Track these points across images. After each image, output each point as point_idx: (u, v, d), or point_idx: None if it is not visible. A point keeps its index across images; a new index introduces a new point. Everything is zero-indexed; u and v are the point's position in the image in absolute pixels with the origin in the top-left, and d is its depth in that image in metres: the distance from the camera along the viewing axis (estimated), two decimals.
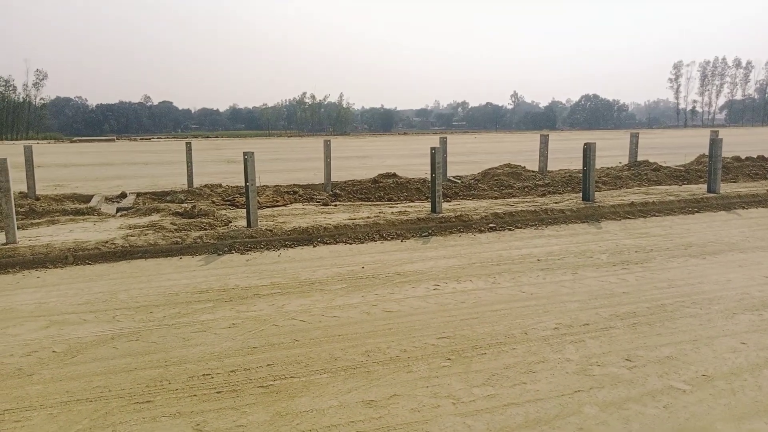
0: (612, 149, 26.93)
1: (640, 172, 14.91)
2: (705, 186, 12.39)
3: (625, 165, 16.54)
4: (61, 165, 24.53)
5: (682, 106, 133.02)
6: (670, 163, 17.10)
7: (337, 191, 13.05)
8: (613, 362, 4.26)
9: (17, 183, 9.42)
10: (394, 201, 12.02)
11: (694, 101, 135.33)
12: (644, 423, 3.42)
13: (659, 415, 3.50)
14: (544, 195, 12.31)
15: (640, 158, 16.57)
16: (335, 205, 11.46)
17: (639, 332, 4.84)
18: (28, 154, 12.67)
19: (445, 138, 14.65)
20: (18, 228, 8.40)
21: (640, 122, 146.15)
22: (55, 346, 4.74)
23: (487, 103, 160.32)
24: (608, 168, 16.46)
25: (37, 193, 12.57)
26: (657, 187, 13.33)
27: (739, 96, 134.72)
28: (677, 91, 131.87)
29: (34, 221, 9.74)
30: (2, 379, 4.15)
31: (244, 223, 9.19)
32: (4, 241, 7.97)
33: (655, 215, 10.39)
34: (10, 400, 3.83)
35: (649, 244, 8.09)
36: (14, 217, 8.09)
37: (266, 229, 8.73)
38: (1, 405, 3.77)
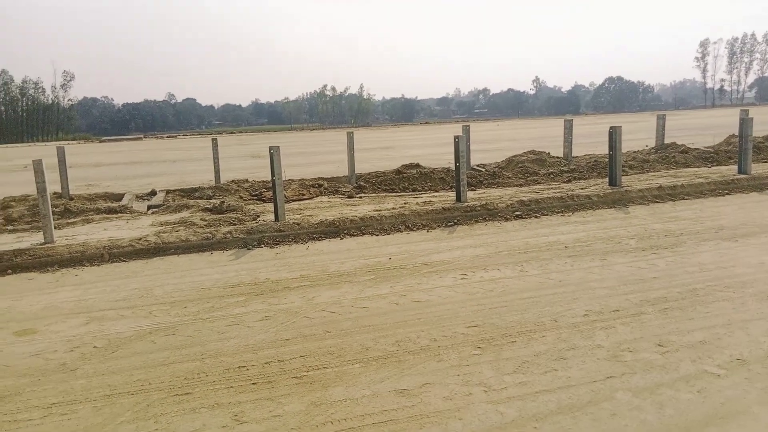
0: (638, 132, 26.47)
1: (667, 154, 14.65)
2: (735, 167, 12.12)
3: (652, 148, 16.25)
4: (92, 165, 25.07)
5: (709, 85, 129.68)
6: (699, 144, 16.75)
7: (362, 183, 13.11)
8: (645, 348, 4.25)
9: (51, 183, 9.70)
10: (419, 191, 12.04)
11: (722, 80, 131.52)
12: (678, 408, 3.42)
13: (693, 400, 3.50)
14: (569, 181, 12.20)
15: (667, 140, 16.26)
16: (360, 197, 11.53)
17: (670, 317, 4.81)
18: (61, 155, 13.00)
19: (468, 126, 14.58)
20: (54, 227, 8.66)
21: (667, 103, 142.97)
22: (95, 342, 4.91)
23: (509, 89, 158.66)
24: (635, 151, 16.20)
25: (71, 192, 12.91)
26: (685, 169, 13.09)
27: None
28: (704, 70, 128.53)
29: (69, 220, 10.02)
30: (48, 374, 4.32)
31: (271, 217, 9.32)
32: (43, 241, 8.23)
33: (684, 198, 10.23)
34: (57, 394, 4.00)
35: (679, 228, 7.98)
36: (51, 217, 8.34)
37: (294, 222, 8.84)
38: (49, 399, 3.93)
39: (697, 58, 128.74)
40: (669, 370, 3.89)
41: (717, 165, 13.63)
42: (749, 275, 5.78)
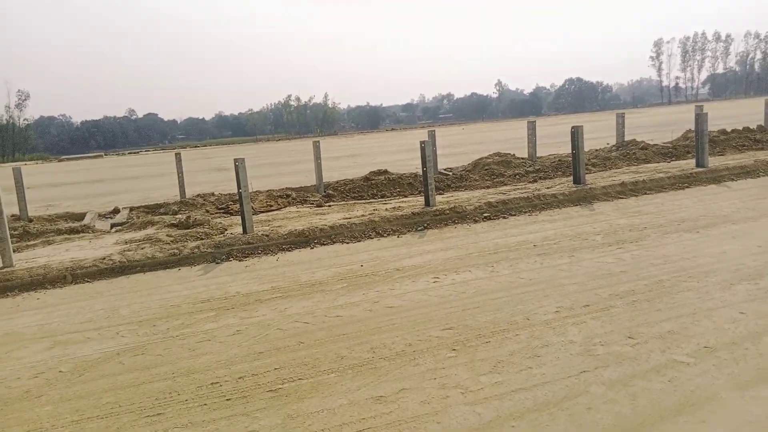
0: (599, 131, 27.07)
1: (628, 151, 15.01)
2: (693, 161, 12.50)
3: (614, 146, 16.64)
4: (51, 184, 24.39)
5: (665, 83, 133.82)
6: (658, 140, 17.23)
7: (330, 192, 13.06)
8: (616, 341, 4.32)
9: (8, 206, 9.39)
10: (388, 197, 12.05)
11: (677, 77, 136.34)
12: (651, 398, 3.48)
13: (665, 389, 3.56)
14: (535, 181, 12.38)
15: (627, 138, 16.68)
16: (329, 206, 11.48)
17: (639, 309, 4.90)
18: (17, 175, 12.61)
19: (434, 131, 14.69)
20: (14, 251, 8.36)
21: (625, 102, 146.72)
22: (61, 366, 4.75)
23: (472, 93, 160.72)
24: (597, 150, 16.56)
25: (30, 214, 12.52)
26: (646, 165, 13.42)
27: (720, 69, 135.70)
28: (659, 69, 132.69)
29: (29, 243, 9.70)
30: (11, 403, 4.15)
31: (239, 230, 9.20)
32: (1, 265, 7.94)
33: (646, 193, 10.48)
34: (21, 423, 3.84)
35: (643, 222, 8.16)
36: (9, 240, 8.06)
37: (262, 234, 8.74)
38: (13, 429, 3.78)
39: (652, 57, 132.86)
40: (640, 362, 3.95)
41: (676, 159, 14.02)
42: (711, 265, 5.94)
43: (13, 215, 12.24)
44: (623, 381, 3.71)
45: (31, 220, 12.03)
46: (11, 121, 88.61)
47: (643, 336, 4.37)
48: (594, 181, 11.21)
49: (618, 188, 10.65)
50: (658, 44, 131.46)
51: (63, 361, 4.84)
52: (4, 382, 4.52)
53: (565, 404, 3.49)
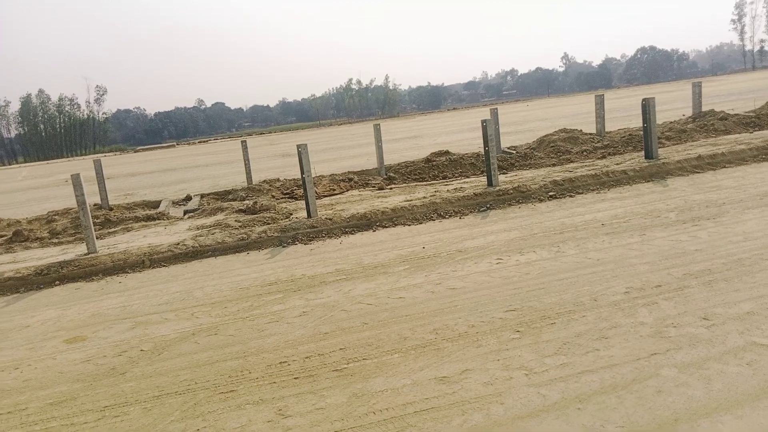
0: (674, 102, 25.68)
1: (705, 122, 14.17)
2: None
3: (689, 117, 15.74)
4: (129, 174, 25.76)
5: (748, 47, 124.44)
6: (739, 110, 16.15)
7: (392, 174, 13.10)
8: (690, 322, 4.14)
9: (91, 195, 10.03)
10: (449, 178, 11.96)
11: (762, 41, 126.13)
12: (727, 382, 3.32)
13: (742, 373, 3.39)
14: (604, 157, 11.92)
15: (705, 108, 15.73)
16: (390, 189, 11.53)
17: (715, 290, 4.66)
18: (98, 167, 13.39)
19: (496, 109, 14.39)
20: (96, 238, 8.94)
21: (703, 70, 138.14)
22: (142, 345, 5.06)
23: (537, 68, 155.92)
24: (671, 122, 15.73)
25: (110, 203, 13.30)
26: (726, 136, 12.63)
27: None
28: (742, 32, 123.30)
29: (110, 230, 10.32)
30: (99, 379, 4.48)
31: (304, 214, 9.41)
32: (86, 252, 8.51)
33: (725, 167, 9.88)
34: (108, 397, 4.14)
35: (721, 198, 7.72)
36: (92, 228, 8.61)
37: (326, 218, 8.91)
38: (101, 402, 4.07)
39: (733, 20, 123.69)
40: (716, 344, 3.78)
41: (759, 129, 13.11)
42: None
43: (95, 204, 13.04)
44: (697, 364, 3.56)
45: (111, 209, 12.78)
46: (91, 115, 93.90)
47: (719, 317, 4.16)
48: (667, 156, 10.67)
49: (694, 162, 10.10)
50: (739, 5, 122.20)
51: (144, 341, 5.16)
52: (93, 359, 4.87)
53: (634, 387, 3.39)
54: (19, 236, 10.22)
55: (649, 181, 9.50)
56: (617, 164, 10.52)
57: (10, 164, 73.59)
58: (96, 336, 5.44)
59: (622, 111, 24.07)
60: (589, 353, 3.88)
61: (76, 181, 8.45)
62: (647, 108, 10.53)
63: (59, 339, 5.47)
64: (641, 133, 11.67)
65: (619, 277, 5.21)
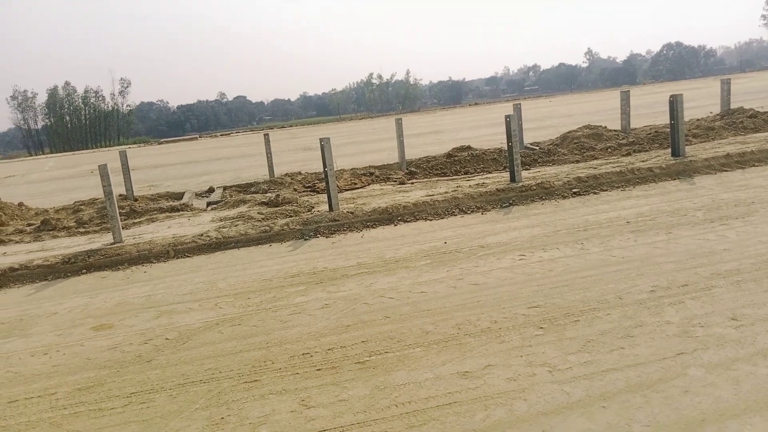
0: (701, 99, 25.20)
1: (734, 120, 13.88)
2: None
3: (717, 114, 15.44)
4: (152, 166, 26.08)
5: None
6: None
7: (413, 169, 13.08)
8: (718, 322, 4.08)
9: (116, 186, 10.21)
10: (471, 174, 11.90)
11: None
12: (756, 384, 3.27)
13: None
14: (629, 154, 11.76)
15: (733, 105, 15.40)
16: (412, 183, 11.52)
17: (744, 290, 4.58)
18: (124, 158, 13.59)
19: (519, 104, 14.27)
20: (122, 228, 9.08)
21: (731, 67, 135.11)
22: (167, 334, 5.14)
23: (560, 63, 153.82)
24: (698, 119, 15.44)
25: (135, 194, 13.50)
26: (755, 134, 12.37)
27: None
28: None
29: (135, 220, 10.48)
30: (126, 366, 4.56)
31: (326, 207, 9.45)
32: (112, 241, 8.65)
33: (754, 165, 9.68)
34: (135, 384, 4.21)
35: (750, 197, 7.57)
36: (118, 218, 8.75)
37: (348, 211, 8.93)
38: (128, 389, 4.15)
39: (763, 15, 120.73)
40: (744, 345, 3.71)
41: None
42: None
43: (120, 195, 13.24)
44: (725, 364, 3.51)
45: (136, 200, 12.97)
46: (116, 107, 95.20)
47: (748, 318, 4.09)
48: (695, 153, 10.49)
49: (722, 160, 9.91)
50: None
51: (169, 330, 5.24)
52: (119, 346, 4.97)
53: (659, 386, 3.35)
54: (47, 225, 10.43)
55: (675, 179, 9.36)
56: (643, 161, 10.37)
57: (36, 155, 75.04)
58: (122, 324, 5.54)
59: (648, 108, 23.69)
60: (614, 351, 3.84)
61: (103, 172, 8.58)
62: (675, 104, 10.35)
63: (87, 326, 5.58)
64: (667, 130, 11.48)
65: (645, 276, 5.15)
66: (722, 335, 3.88)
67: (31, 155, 76.34)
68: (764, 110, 14.70)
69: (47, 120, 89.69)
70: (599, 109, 29.98)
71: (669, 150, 10.89)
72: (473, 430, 3.15)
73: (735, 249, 5.58)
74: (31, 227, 10.62)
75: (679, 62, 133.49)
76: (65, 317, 5.93)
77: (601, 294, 4.85)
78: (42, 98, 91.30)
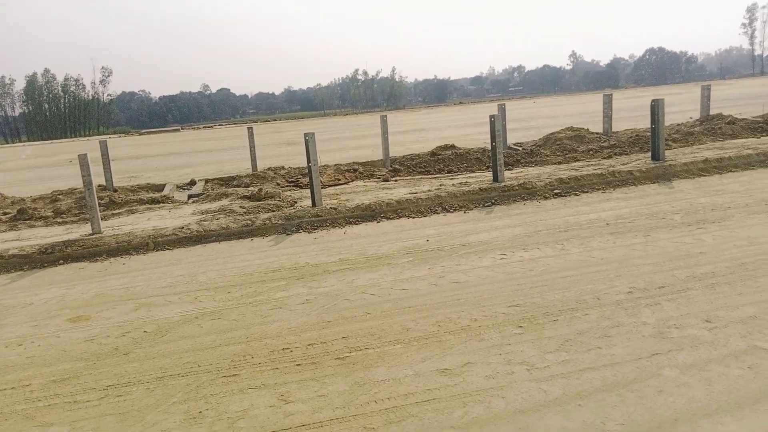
0: (681, 104, 25.59)
1: (713, 126, 14.13)
2: None
3: (697, 120, 15.70)
4: (133, 157, 25.74)
5: (758, 52, 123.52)
6: (747, 114, 16.09)
7: (397, 166, 13.09)
8: (692, 324, 4.16)
9: (96, 176, 10.05)
10: (455, 172, 11.96)
11: None
12: (728, 384, 3.34)
13: (744, 376, 3.41)
14: (610, 157, 11.91)
15: (712, 111, 15.68)
16: (395, 180, 11.53)
17: (718, 293, 4.68)
18: (104, 148, 13.39)
19: (504, 105, 14.36)
20: (101, 219, 8.96)
21: (712, 73, 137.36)
22: (145, 327, 5.09)
23: (545, 65, 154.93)
24: (678, 124, 15.68)
25: (115, 185, 13.31)
26: (733, 140, 12.61)
27: None
28: (752, 37, 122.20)
29: (114, 212, 10.35)
30: (102, 358, 4.51)
31: (309, 202, 9.42)
32: (90, 232, 8.53)
33: (731, 171, 9.87)
34: (111, 377, 4.17)
35: (726, 202, 7.72)
36: (97, 208, 8.63)
37: (330, 207, 8.92)
38: (104, 381, 4.10)
39: (743, 24, 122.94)
40: (717, 347, 3.80)
41: (767, 135, 13.07)
42: None
43: (99, 185, 13.04)
44: (698, 365, 3.58)
45: (116, 190, 12.79)
46: (96, 96, 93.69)
47: (722, 320, 4.18)
48: (674, 158, 10.66)
49: (700, 165, 10.08)
50: (751, 9, 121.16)
51: (147, 322, 5.19)
52: (96, 339, 4.90)
53: (635, 386, 3.41)
54: (23, 214, 10.24)
55: (654, 183, 9.50)
56: (623, 164, 10.51)
57: (13, 143, 73.58)
58: (99, 316, 5.47)
59: (629, 111, 23.99)
60: (591, 351, 3.90)
61: (83, 162, 8.46)
62: (656, 109, 10.50)
63: (63, 317, 5.50)
64: (648, 134, 11.65)
65: (623, 277, 5.22)
66: (696, 337, 3.96)
67: (8, 143, 74.83)
68: (742, 117, 14.99)
69: (25, 107, 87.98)
70: (582, 111, 30.29)
71: (649, 154, 11.05)
72: (451, 426, 3.18)
73: (711, 252, 5.69)
74: (7, 216, 10.43)
75: (661, 67, 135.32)
76: (41, 308, 5.84)
77: (579, 294, 4.92)
78: (20, 85, 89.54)
